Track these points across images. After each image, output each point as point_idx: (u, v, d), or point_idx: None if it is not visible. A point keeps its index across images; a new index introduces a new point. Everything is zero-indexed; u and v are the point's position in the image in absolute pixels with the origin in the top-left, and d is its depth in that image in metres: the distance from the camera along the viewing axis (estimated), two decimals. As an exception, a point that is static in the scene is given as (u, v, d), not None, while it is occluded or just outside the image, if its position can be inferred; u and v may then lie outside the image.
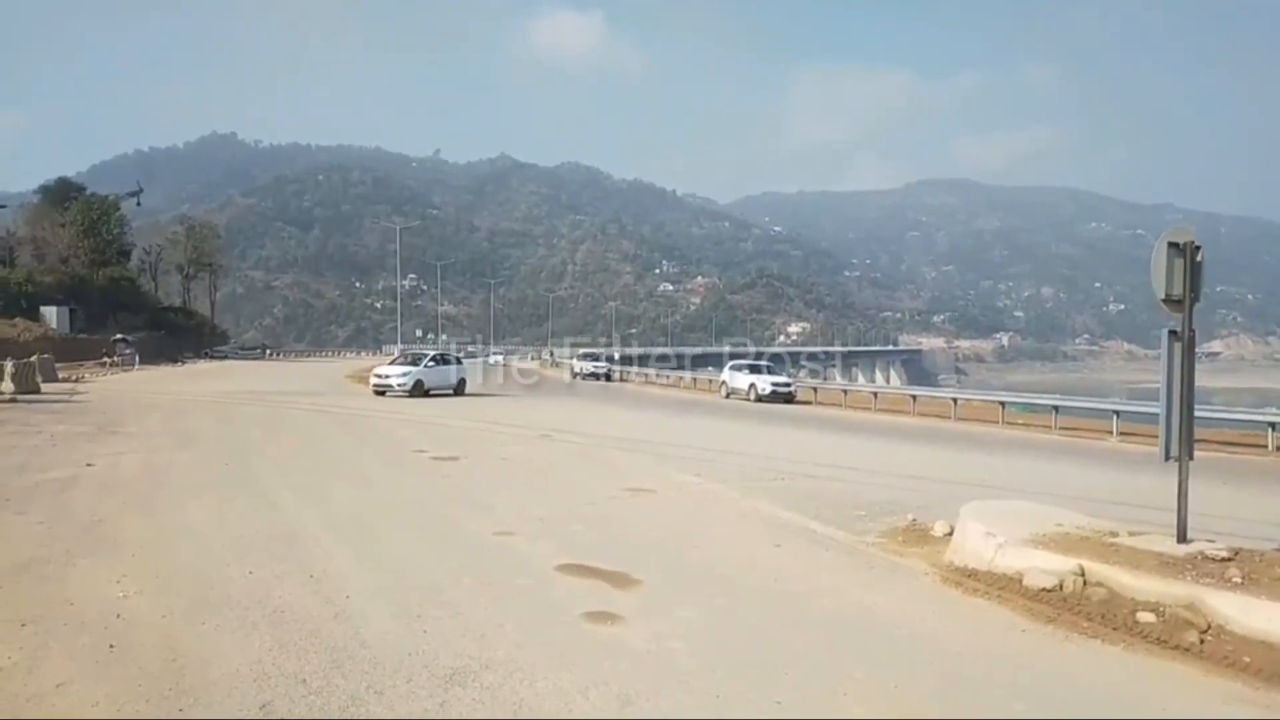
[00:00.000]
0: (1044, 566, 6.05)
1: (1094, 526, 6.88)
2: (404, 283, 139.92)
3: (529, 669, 4.35)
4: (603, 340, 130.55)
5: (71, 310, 53.96)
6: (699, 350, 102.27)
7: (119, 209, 67.59)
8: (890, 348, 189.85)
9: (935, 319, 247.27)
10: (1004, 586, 6.16)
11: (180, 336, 66.01)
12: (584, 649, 4.72)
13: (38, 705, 3.77)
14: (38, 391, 22.54)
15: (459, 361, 30.58)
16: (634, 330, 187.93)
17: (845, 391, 32.17)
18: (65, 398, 21.76)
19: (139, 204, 76.81)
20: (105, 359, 44.60)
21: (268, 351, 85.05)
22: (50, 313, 51.80)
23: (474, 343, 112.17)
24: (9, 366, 22.43)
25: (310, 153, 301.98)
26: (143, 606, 5.18)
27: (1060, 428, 22.51)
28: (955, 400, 27.15)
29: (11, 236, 60.30)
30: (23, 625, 4.76)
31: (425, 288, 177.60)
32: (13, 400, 19.82)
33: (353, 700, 3.91)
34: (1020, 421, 24.65)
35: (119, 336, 50.03)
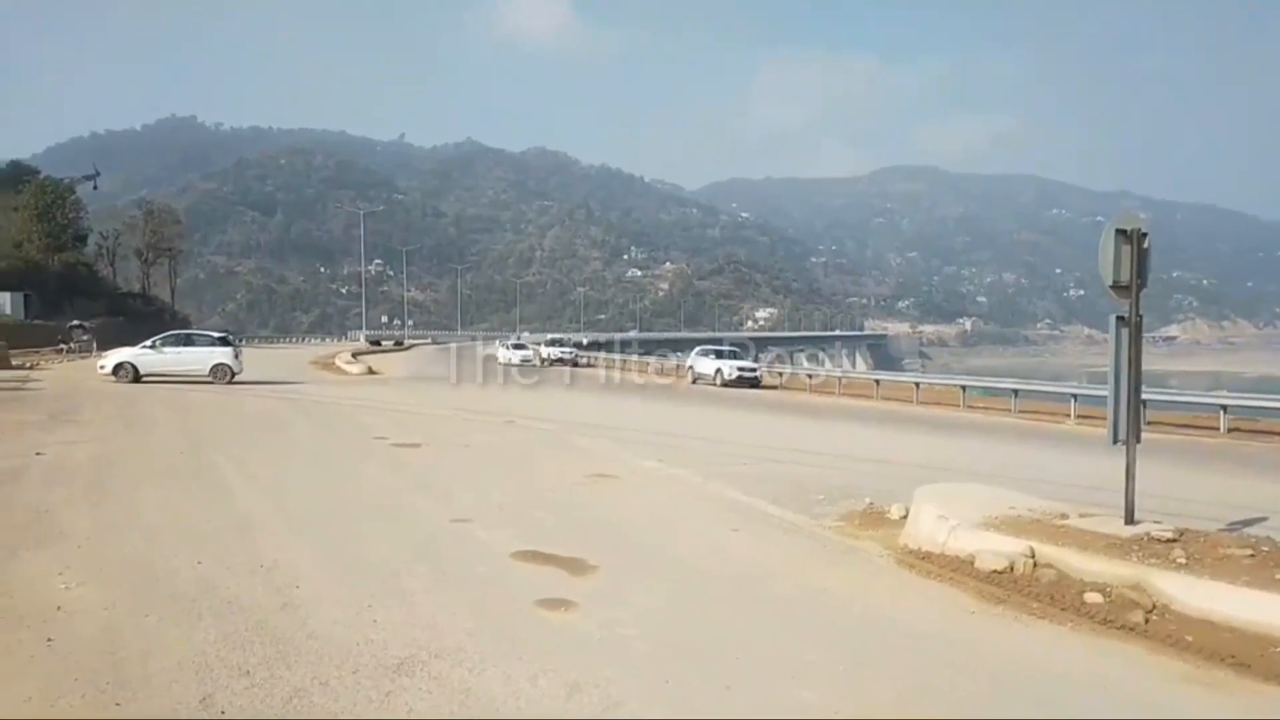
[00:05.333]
0: (995, 548, 6.12)
1: (1045, 509, 6.97)
2: (370, 268, 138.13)
3: (478, 657, 4.31)
4: (571, 327, 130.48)
5: (26, 296, 52.72)
6: (630, 336, 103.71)
7: (74, 193, 66.02)
8: (856, 333, 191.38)
9: (900, 304, 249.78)
10: (956, 568, 6.22)
11: (140, 323, 64.56)
12: (535, 636, 4.69)
13: (-33, 702, 3.67)
14: (-12, 379, 22.00)
15: (227, 344, 25.63)
16: (603, 316, 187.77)
17: (810, 376, 32.38)
18: (18, 386, 21.25)
19: (95, 188, 75.12)
20: (62, 346, 43.59)
21: (229, 338, 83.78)
22: (4, 299, 50.57)
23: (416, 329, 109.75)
24: (-42, 354, 21.91)
25: (272, 136, 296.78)
26: (85, 599, 5.06)
27: (1019, 411, 22.83)
28: (918, 384, 27.44)
29: (-38, 220, 58.73)
30: (-44, 619, 4.64)
31: (392, 273, 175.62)
32: (-39, 389, 19.34)
33: (296, 692, 3.84)
34: (980, 405, 24.96)
35: (76, 323, 48.87)
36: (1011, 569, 5.96)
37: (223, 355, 24.44)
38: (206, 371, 23.89)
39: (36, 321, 50.30)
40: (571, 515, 8.09)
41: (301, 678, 4.00)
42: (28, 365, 29.56)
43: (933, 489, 7.56)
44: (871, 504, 8.38)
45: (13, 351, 31.86)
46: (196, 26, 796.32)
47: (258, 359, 43.68)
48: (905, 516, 7.62)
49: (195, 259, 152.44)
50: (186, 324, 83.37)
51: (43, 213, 59.98)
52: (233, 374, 24.00)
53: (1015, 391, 23.79)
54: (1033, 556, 5.96)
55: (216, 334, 26.97)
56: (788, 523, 7.87)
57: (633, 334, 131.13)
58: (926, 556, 6.57)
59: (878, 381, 28.71)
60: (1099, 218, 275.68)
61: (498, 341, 58.94)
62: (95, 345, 45.14)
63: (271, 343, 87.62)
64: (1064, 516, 6.71)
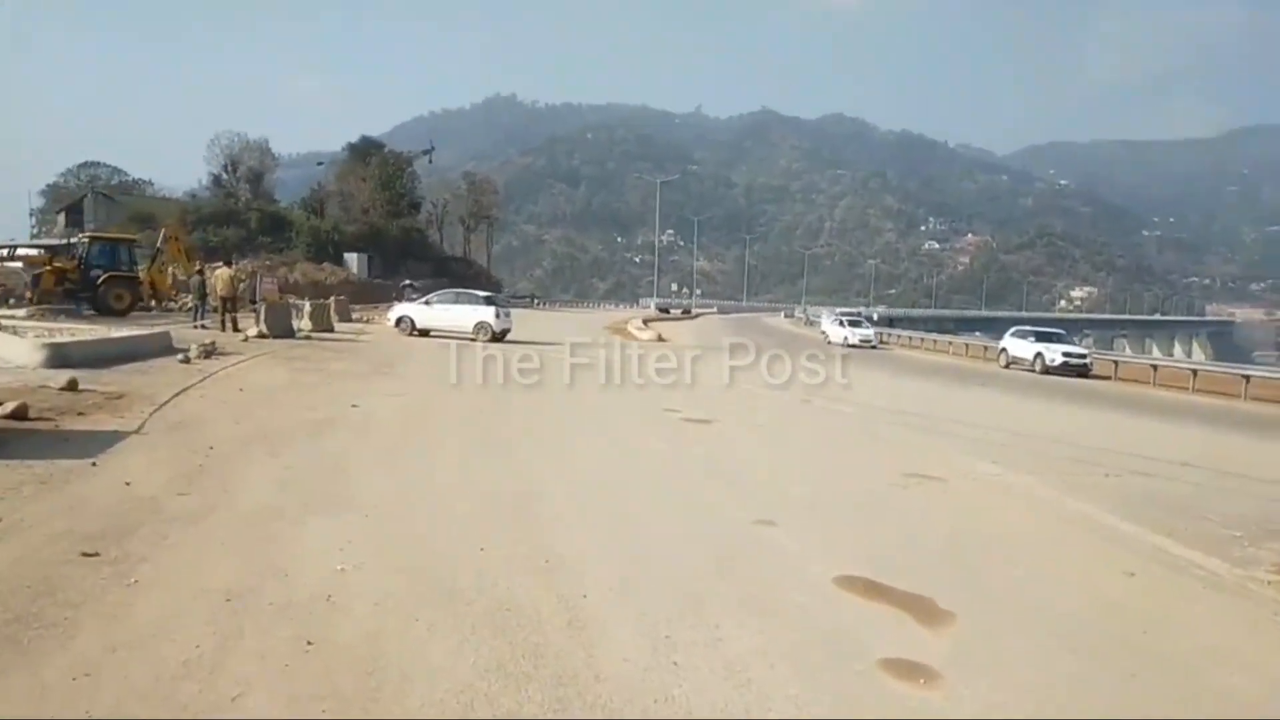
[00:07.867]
0: None
1: None
2: (662, 238, 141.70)
3: (814, 751, 3.10)
4: (859, 301, 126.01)
5: (370, 257, 59.44)
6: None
7: (411, 165, 73.30)
8: (1195, 317, 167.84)
9: (1253, 287, 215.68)
10: None
11: (460, 283, 69.91)
12: (889, 723, 3.37)
13: (203, 726, 3.05)
14: (331, 331, 24.37)
15: (491, 303, 25.89)
16: (893, 290, 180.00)
17: (1155, 367, 27.72)
18: (353, 337, 23.28)
19: (430, 161, 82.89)
20: (396, 302, 48.52)
21: (535, 300, 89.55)
22: (352, 259, 57.42)
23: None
24: (307, 307, 24.44)
25: (581, 112, 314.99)
26: (358, 588, 4.47)
27: None
28: (1308, 384, 22.36)
29: (322, 189, 67.36)
30: (228, 600, 4.17)
31: (682, 243, 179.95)
32: (308, 338, 21.42)
33: (574, 774, 2.86)
34: (1401, 414, 19.75)
35: (407, 282, 54.23)
36: None
37: (485, 314, 25.01)
38: (470, 329, 24.60)
39: (377, 280, 56.57)
40: (898, 529, 6.64)
41: (581, 750, 3.01)
42: (364, 319, 32.76)
43: None
44: (1323, 553, 6.12)
45: (355, 306, 35.63)
46: (519, 6, 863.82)
47: (559, 321, 45.95)
48: (1390, 580, 5.39)
49: (510, 227, 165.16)
50: (499, 287, 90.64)
51: (385, 183, 67.21)
52: (494, 332, 24.57)
53: None
54: None
55: (482, 294, 28.01)
56: (1202, 570, 5.85)
57: (925, 310, 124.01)
58: None
59: (1247, 377, 23.75)
60: None
61: (824, 314, 54.40)
62: (422, 303, 49.73)
63: (571, 306, 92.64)
64: None
